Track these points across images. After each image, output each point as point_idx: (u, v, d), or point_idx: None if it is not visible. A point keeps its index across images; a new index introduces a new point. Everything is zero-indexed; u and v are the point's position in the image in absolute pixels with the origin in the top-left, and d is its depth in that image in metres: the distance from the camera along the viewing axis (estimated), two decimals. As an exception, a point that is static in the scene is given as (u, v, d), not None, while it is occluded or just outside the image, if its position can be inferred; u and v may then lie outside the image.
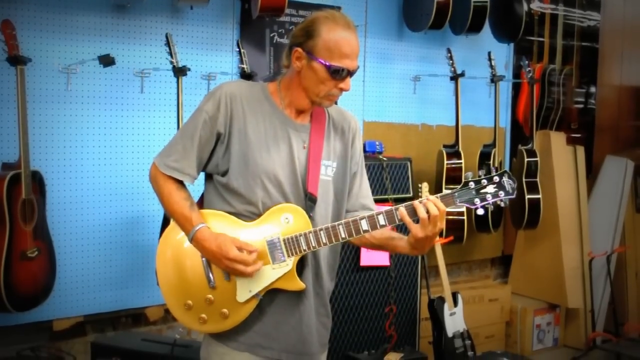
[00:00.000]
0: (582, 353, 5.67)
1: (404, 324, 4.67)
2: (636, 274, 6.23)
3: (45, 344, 3.92)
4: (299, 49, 2.34)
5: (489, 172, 4.61)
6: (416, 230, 2.30)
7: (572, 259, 5.75)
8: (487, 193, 2.37)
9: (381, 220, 2.32)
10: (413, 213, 2.29)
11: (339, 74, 2.31)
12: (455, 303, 4.70)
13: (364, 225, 2.31)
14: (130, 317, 4.25)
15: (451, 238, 4.90)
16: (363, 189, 2.60)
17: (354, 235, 2.33)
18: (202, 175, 2.55)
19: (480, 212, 2.39)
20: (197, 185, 2.44)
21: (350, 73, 2.34)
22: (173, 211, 2.37)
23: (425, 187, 4.41)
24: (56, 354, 3.91)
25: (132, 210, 4.12)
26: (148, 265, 4.08)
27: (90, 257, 4.01)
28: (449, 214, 4.97)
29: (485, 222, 5.24)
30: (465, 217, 5.04)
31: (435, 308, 4.62)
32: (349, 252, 4.38)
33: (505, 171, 2.40)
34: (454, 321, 4.65)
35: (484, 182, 2.37)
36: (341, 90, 2.35)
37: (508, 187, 2.37)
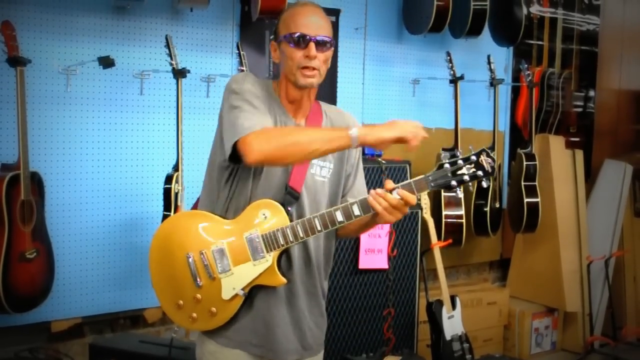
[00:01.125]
0: (580, 357, 5.66)
1: (402, 327, 4.67)
2: (634, 278, 6.23)
3: (43, 345, 3.91)
4: (272, 41, 2.45)
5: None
6: (387, 218, 2.29)
7: (570, 262, 5.75)
8: (464, 174, 2.25)
9: (355, 210, 2.29)
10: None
11: (299, 42, 2.34)
12: (454, 306, 4.69)
13: (339, 216, 2.29)
14: (129, 318, 4.25)
15: (450, 241, 4.90)
16: (354, 189, 2.59)
17: (330, 227, 2.30)
18: (200, 180, 2.56)
19: (459, 194, 2.28)
20: (196, 187, 2.44)
21: (313, 40, 2.34)
22: (315, 134, 2.28)
23: (423, 189, 4.40)
24: (54, 355, 3.91)
25: (131, 211, 4.12)
26: (146, 266, 4.01)
27: (89, 259, 4.01)
28: (447, 217, 5.02)
29: (484, 226, 5.25)
30: (464, 221, 5.04)
31: (434, 311, 4.62)
32: (347, 254, 4.38)
33: (484, 149, 2.26)
34: (452, 324, 4.65)
35: (460, 162, 2.25)
36: (308, 58, 2.34)
37: (487, 166, 2.24)
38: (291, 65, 2.36)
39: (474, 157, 2.25)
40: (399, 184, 2.27)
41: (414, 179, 2.27)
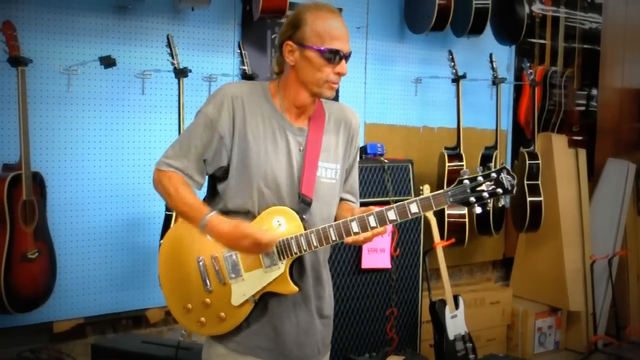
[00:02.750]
0: (584, 356, 5.65)
1: (405, 326, 4.66)
2: (638, 276, 6.22)
3: (45, 345, 3.91)
4: (290, 42, 2.35)
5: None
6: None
7: (573, 261, 5.74)
8: (483, 191, 2.20)
9: (372, 222, 2.26)
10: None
11: (333, 58, 2.30)
12: (457, 306, 4.68)
13: (354, 227, 2.27)
14: (131, 319, 4.24)
15: (453, 241, 4.89)
16: (347, 184, 2.58)
17: (345, 237, 2.28)
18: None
19: (478, 210, 2.25)
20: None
21: (345, 56, 2.34)
22: (183, 204, 2.36)
23: (426, 189, 4.39)
24: (56, 355, 3.90)
25: (133, 211, 4.11)
26: (148, 266, 4.08)
27: (91, 259, 4.00)
28: (450, 216, 5.01)
29: (486, 225, 5.24)
30: (466, 220, 5.03)
31: (437, 311, 4.61)
32: (350, 254, 4.36)
33: (504, 167, 2.21)
34: (455, 324, 4.64)
35: (480, 179, 2.21)
36: (338, 75, 2.33)
37: (507, 184, 2.19)
38: (319, 78, 2.32)
39: (494, 175, 2.21)
40: (418, 198, 2.25)
41: (433, 193, 2.24)
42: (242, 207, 2.35)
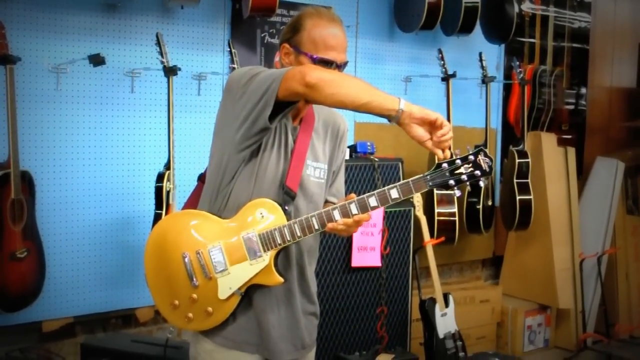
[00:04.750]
0: (573, 354, 5.68)
1: (395, 325, 4.66)
2: (627, 275, 6.24)
3: (34, 345, 3.90)
4: (286, 45, 2.39)
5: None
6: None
7: (563, 260, 5.76)
8: (462, 173, 2.23)
9: (353, 209, 2.28)
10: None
11: (326, 66, 2.31)
12: (447, 304, 4.69)
13: (336, 215, 2.29)
14: (120, 318, 4.23)
15: (442, 239, 4.90)
16: (333, 187, 2.60)
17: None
18: (194, 176, 2.54)
19: (457, 194, 2.28)
20: (187, 186, 2.43)
21: (339, 66, 2.35)
22: (366, 90, 2.17)
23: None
24: (45, 355, 3.89)
25: (122, 210, 4.10)
26: (138, 265, 4.06)
27: (80, 258, 3.99)
28: (440, 214, 5.02)
29: (476, 223, 5.25)
30: (457, 218, 5.04)
31: (427, 309, 4.62)
32: (340, 252, 4.37)
33: (481, 149, 2.26)
34: (445, 322, 4.65)
35: (458, 162, 2.25)
36: None
37: (484, 166, 2.23)
38: None
39: (471, 157, 2.24)
40: (398, 184, 2.26)
41: (412, 178, 2.26)
42: (242, 201, 2.35)
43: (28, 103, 3.75)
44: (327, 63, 2.32)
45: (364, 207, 2.28)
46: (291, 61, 2.38)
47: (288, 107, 2.25)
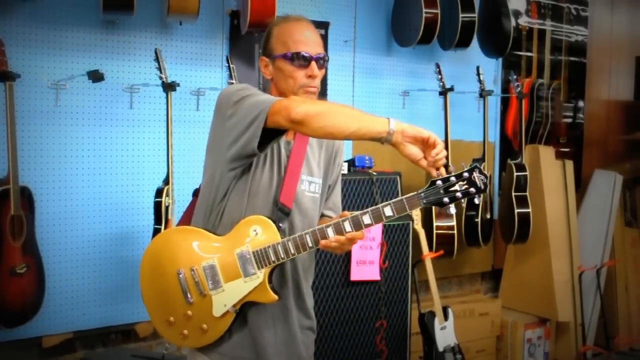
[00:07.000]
0: (573, 367, 5.68)
1: (394, 338, 4.66)
2: (626, 287, 6.25)
3: (34, 360, 3.90)
4: (263, 57, 2.44)
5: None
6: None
7: (562, 272, 5.76)
8: (456, 191, 2.19)
9: (347, 227, 2.27)
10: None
11: (299, 60, 2.35)
12: (446, 317, 4.69)
13: (330, 232, 2.27)
14: (120, 333, 4.23)
15: (441, 252, 4.90)
16: (329, 201, 2.61)
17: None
18: (189, 191, 2.55)
19: (453, 211, 2.23)
20: (186, 201, 2.44)
21: (314, 58, 2.36)
22: (351, 112, 2.21)
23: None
24: (45, 370, 3.89)
25: (122, 225, 4.11)
26: (137, 280, 4.04)
27: (80, 273, 3.99)
28: (439, 228, 5.02)
29: (475, 237, 5.25)
30: (455, 232, 5.05)
31: (426, 322, 4.62)
32: (339, 266, 4.37)
33: (476, 166, 2.21)
34: (445, 335, 4.65)
35: (453, 179, 2.20)
36: (311, 78, 2.36)
37: (479, 183, 2.19)
38: (292, 85, 2.37)
39: (466, 174, 2.20)
40: (392, 201, 2.24)
41: (406, 196, 2.24)
42: (235, 218, 2.36)
43: (27, 119, 3.76)
44: (303, 58, 2.34)
45: (357, 225, 2.26)
46: (271, 71, 2.41)
47: (277, 134, 2.25)
